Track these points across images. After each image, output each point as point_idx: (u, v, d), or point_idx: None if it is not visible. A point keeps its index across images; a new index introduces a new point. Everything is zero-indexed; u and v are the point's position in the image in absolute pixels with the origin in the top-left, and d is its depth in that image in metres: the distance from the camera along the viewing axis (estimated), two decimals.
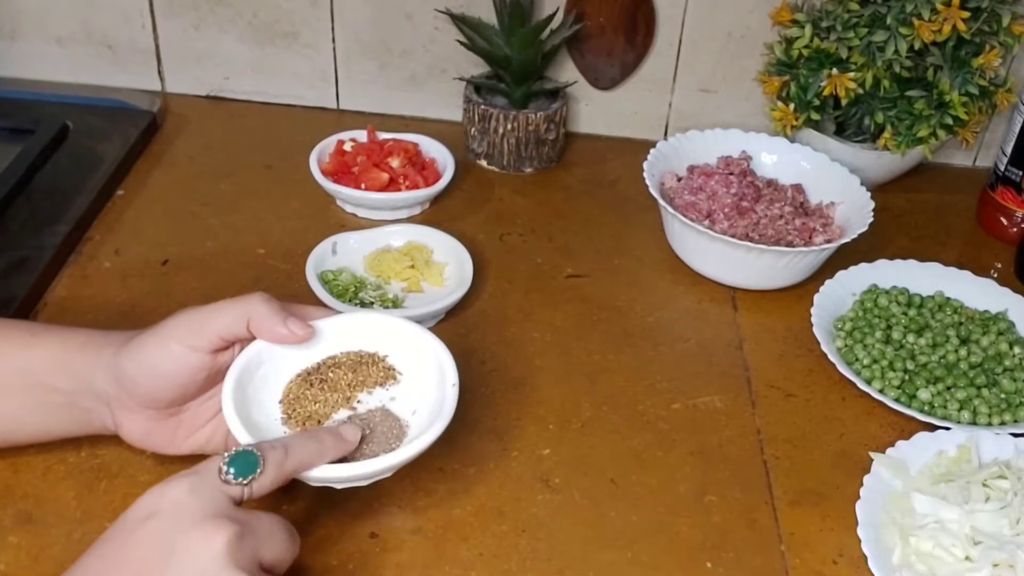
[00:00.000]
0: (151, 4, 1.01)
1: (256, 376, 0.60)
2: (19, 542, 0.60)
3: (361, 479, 0.57)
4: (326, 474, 0.55)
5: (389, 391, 0.62)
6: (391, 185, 0.89)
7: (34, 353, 0.60)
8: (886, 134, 0.93)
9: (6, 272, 0.78)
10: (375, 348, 0.63)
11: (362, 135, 0.95)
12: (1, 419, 0.61)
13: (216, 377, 0.60)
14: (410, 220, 0.89)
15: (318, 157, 0.91)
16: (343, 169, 0.90)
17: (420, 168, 0.92)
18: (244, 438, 0.55)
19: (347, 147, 0.93)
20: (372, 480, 0.58)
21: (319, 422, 0.59)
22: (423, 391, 0.61)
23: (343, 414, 0.60)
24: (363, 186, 0.88)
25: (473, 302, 0.82)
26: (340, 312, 0.63)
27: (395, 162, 0.90)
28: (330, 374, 0.61)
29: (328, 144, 0.93)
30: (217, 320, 0.58)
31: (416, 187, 0.89)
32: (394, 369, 0.62)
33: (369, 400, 0.61)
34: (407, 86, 1.04)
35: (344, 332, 0.62)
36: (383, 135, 0.95)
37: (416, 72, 1.03)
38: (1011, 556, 0.60)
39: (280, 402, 0.60)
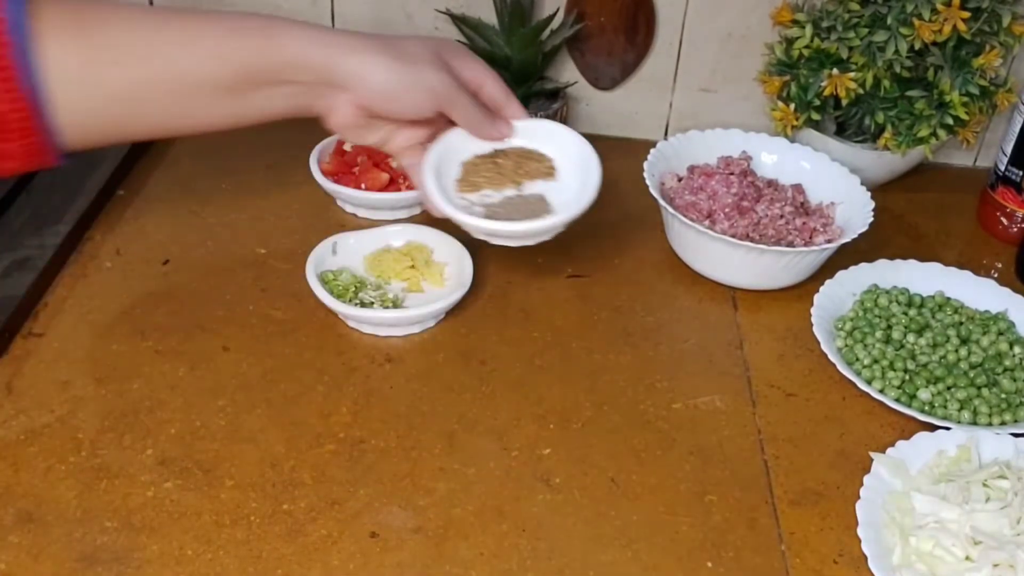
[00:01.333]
0: (151, 4, 1.01)
1: (445, 153, 0.73)
2: (19, 541, 0.60)
3: (511, 237, 0.71)
4: (492, 227, 0.69)
5: (549, 184, 0.74)
6: (391, 185, 0.89)
7: (281, 48, 0.65)
8: (886, 134, 0.93)
9: (6, 272, 0.78)
10: (543, 149, 0.75)
11: None
12: (248, 109, 0.67)
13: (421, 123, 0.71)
14: (410, 220, 0.89)
15: (318, 157, 0.91)
16: (343, 169, 0.90)
17: None
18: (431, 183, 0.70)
19: (347, 147, 0.93)
20: (519, 241, 0.72)
21: (482, 190, 0.73)
22: (574, 189, 0.73)
23: (510, 192, 0.73)
24: (363, 186, 0.88)
25: (473, 302, 0.82)
26: (529, 118, 0.74)
27: (395, 162, 0.90)
28: (499, 160, 0.74)
29: (328, 144, 0.93)
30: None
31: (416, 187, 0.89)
32: (555, 169, 0.75)
33: (532, 187, 0.74)
34: None
35: (522, 132, 0.75)
36: None
37: None
38: (1011, 556, 0.60)
39: (460, 168, 0.73)
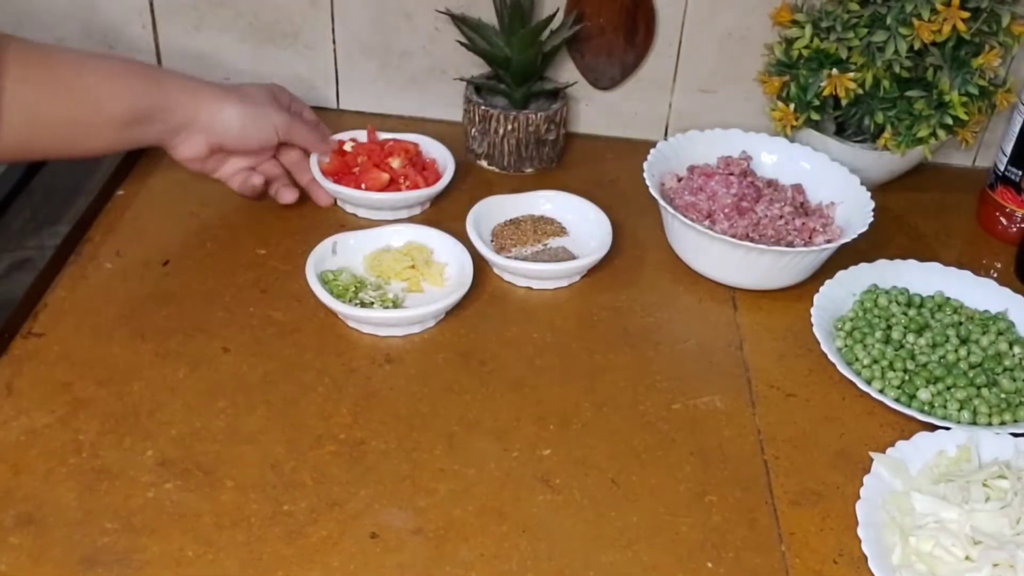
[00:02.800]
0: (151, 4, 1.01)
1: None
2: (20, 543, 0.60)
3: (552, 276, 0.84)
4: (535, 268, 0.83)
5: (563, 240, 0.88)
6: (391, 185, 0.90)
7: (161, 93, 0.80)
8: (886, 134, 0.93)
9: (6, 272, 0.78)
10: (551, 214, 0.91)
11: (362, 135, 0.95)
12: (127, 141, 0.81)
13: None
14: (410, 220, 0.89)
15: (318, 157, 0.91)
16: (344, 169, 0.91)
17: (420, 168, 0.92)
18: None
19: (347, 147, 0.93)
20: (556, 283, 0.85)
21: (515, 248, 0.86)
22: (587, 241, 0.88)
23: (537, 247, 0.87)
24: (364, 186, 0.88)
25: (473, 302, 0.82)
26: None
27: (395, 162, 0.91)
28: (521, 224, 0.89)
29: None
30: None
31: (416, 187, 0.89)
32: (564, 228, 0.90)
33: (554, 242, 0.88)
34: (407, 86, 1.04)
35: (529, 202, 0.91)
36: (383, 135, 0.95)
37: (416, 73, 1.03)
38: (1011, 556, 0.60)
39: (492, 237, 0.87)
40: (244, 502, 0.64)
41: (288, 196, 0.89)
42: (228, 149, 0.85)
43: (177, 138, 0.82)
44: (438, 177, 0.91)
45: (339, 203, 0.92)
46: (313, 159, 0.91)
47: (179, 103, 0.80)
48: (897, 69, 0.89)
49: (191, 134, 0.82)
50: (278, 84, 0.91)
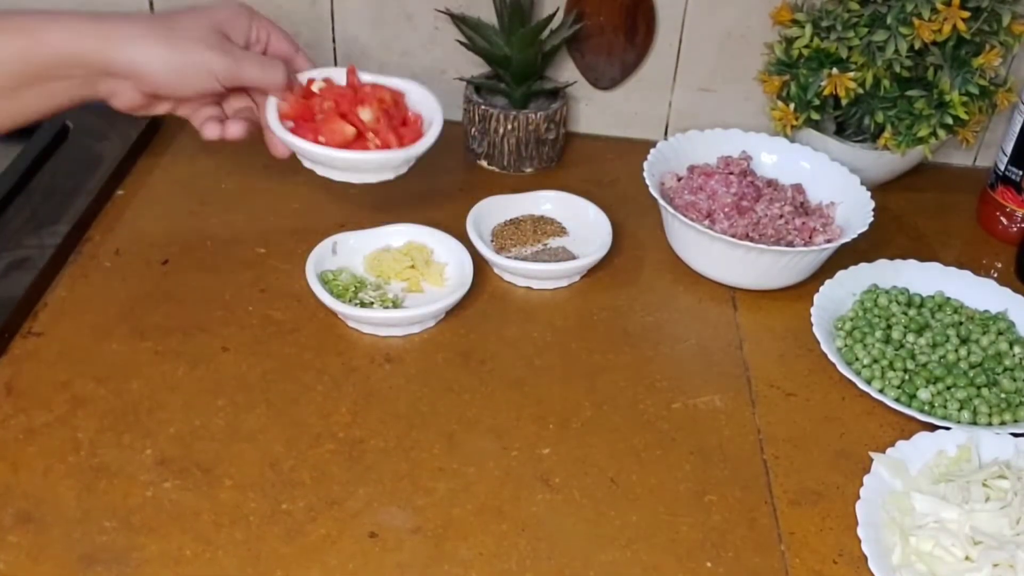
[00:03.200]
0: (151, 4, 1.01)
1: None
2: (19, 541, 0.60)
3: (552, 276, 0.84)
4: (538, 268, 0.83)
5: (563, 240, 0.88)
6: (358, 141, 0.74)
7: (47, 45, 0.65)
8: (886, 134, 0.93)
9: (6, 272, 0.78)
10: (551, 214, 0.90)
11: (341, 75, 0.79)
12: (26, 109, 0.67)
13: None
14: (410, 220, 0.89)
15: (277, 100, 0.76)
16: (306, 115, 0.75)
17: (399, 123, 0.77)
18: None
19: (316, 87, 0.77)
20: (556, 283, 0.85)
21: (515, 248, 0.86)
22: (587, 241, 0.87)
23: (537, 247, 0.86)
24: (322, 139, 0.74)
25: (473, 302, 0.82)
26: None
27: (366, 114, 0.74)
28: (521, 224, 0.88)
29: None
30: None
31: (387, 146, 0.74)
32: (564, 228, 0.89)
33: (554, 242, 0.87)
34: None
35: (529, 202, 0.90)
36: (366, 76, 0.79)
37: (416, 72, 1.03)
38: (1011, 556, 0.60)
39: (492, 237, 0.87)
40: (243, 501, 0.64)
41: (211, 132, 0.75)
42: (163, 97, 0.72)
43: (103, 88, 0.69)
44: (418, 136, 0.76)
45: (297, 157, 0.77)
46: (271, 101, 0.75)
47: (79, 52, 0.66)
48: (897, 69, 0.89)
49: (116, 82, 0.69)
50: (234, 6, 0.74)
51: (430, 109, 0.79)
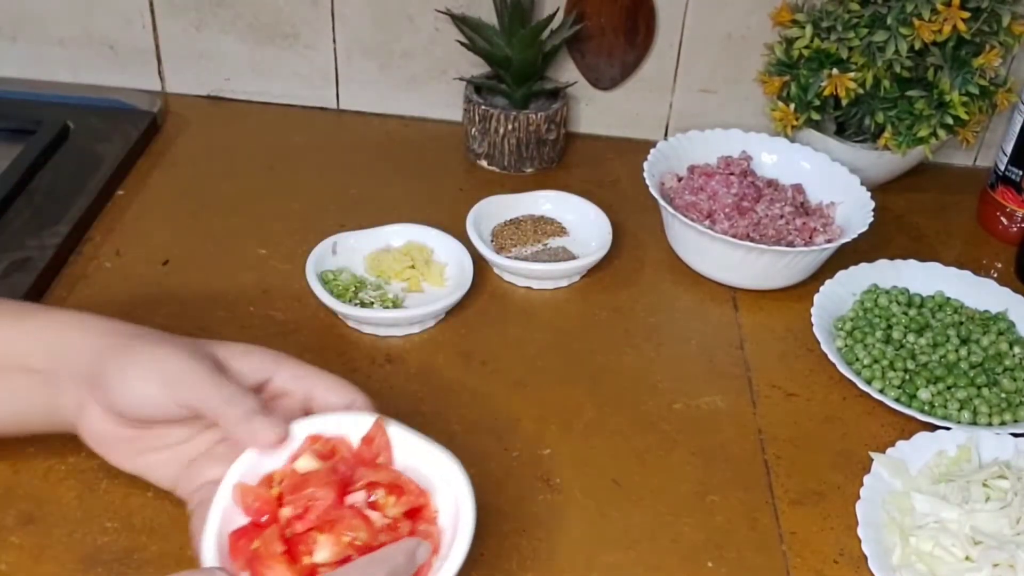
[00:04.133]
0: (151, 5, 1.01)
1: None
2: (20, 542, 0.60)
3: (552, 276, 0.84)
4: (538, 268, 0.84)
5: (563, 240, 0.88)
6: None
7: (16, 332, 0.56)
8: (886, 134, 0.93)
9: (6, 272, 0.78)
10: (551, 214, 0.90)
11: (359, 425, 0.57)
12: None
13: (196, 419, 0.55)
14: (410, 220, 0.89)
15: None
16: (257, 519, 0.52)
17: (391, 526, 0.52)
18: None
19: (302, 466, 0.53)
20: (555, 282, 0.85)
21: (515, 248, 0.86)
22: (587, 241, 0.88)
23: (537, 247, 0.86)
24: None
25: (473, 302, 0.82)
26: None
27: (323, 552, 0.49)
28: (521, 224, 0.88)
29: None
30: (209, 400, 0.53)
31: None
32: (564, 228, 0.89)
33: (554, 242, 0.87)
34: (407, 87, 1.04)
35: (529, 202, 0.91)
36: (396, 432, 0.57)
37: (416, 73, 1.03)
38: (1011, 556, 0.60)
39: (492, 237, 0.87)
40: None
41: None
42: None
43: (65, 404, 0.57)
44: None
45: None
46: (236, 464, 0.54)
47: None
48: (898, 69, 0.89)
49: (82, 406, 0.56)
50: (257, 347, 0.58)
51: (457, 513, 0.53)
